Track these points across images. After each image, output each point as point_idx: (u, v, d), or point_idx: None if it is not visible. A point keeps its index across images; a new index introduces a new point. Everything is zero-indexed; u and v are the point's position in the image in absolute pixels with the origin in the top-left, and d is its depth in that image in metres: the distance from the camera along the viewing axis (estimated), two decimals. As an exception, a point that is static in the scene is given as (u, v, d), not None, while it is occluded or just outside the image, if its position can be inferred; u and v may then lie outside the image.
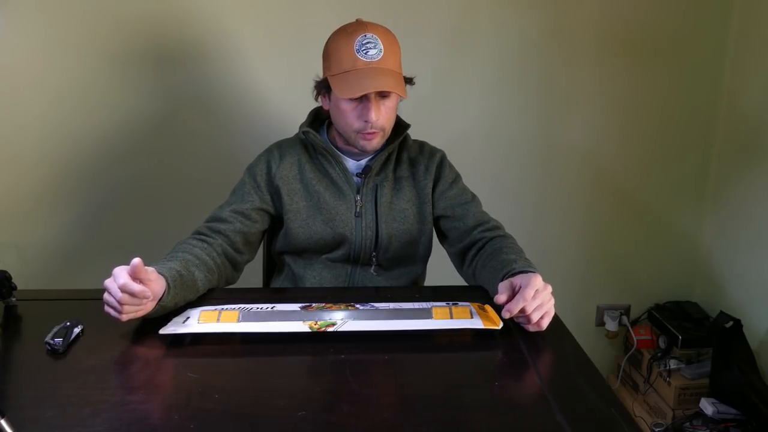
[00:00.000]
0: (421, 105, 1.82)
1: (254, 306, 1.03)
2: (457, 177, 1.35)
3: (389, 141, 1.30)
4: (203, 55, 1.76)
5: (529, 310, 0.95)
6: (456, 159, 1.39)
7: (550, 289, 0.99)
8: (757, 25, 1.84)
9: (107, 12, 1.69)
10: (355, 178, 1.28)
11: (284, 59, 1.78)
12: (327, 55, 1.22)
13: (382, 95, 1.18)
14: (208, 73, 1.78)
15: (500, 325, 0.97)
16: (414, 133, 1.37)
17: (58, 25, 1.69)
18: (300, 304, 1.04)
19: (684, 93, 1.96)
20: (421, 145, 1.36)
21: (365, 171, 1.27)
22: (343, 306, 1.03)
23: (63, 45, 1.70)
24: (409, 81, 1.26)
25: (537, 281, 0.97)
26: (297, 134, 1.33)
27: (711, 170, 2.04)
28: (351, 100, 1.18)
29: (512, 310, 0.95)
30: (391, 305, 1.04)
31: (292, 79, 1.74)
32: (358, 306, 1.04)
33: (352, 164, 1.29)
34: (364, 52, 1.16)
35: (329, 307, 1.03)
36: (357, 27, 1.19)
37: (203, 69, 1.77)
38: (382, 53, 1.16)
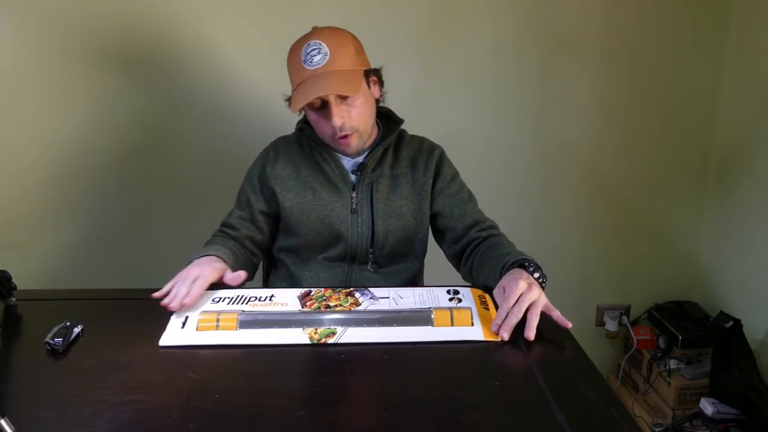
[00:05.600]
0: (417, 102, 1.82)
1: (252, 294, 1.06)
2: (455, 173, 1.35)
3: (383, 137, 1.31)
4: (200, 56, 1.76)
5: (515, 320, 0.97)
6: (455, 159, 1.38)
7: (523, 288, 0.98)
8: (756, 26, 1.84)
9: (103, 16, 1.69)
10: (351, 175, 1.29)
11: (281, 60, 1.77)
12: (288, 72, 1.22)
13: (342, 97, 1.17)
14: (205, 75, 1.77)
15: (500, 338, 0.97)
16: (410, 130, 1.37)
17: (57, 29, 1.68)
18: (299, 290, 1.09)
19: (684, 94, 1.96)
20: (420, 142, 1.36)
21: (361, 168, 1.28)
22: (342, 296, 1.06)
23: (62, 48, 1.70)
24: (375, 72, 1.25)
25: (517, 289, 0.98)
26: (295, 132, 1.35)
27: (711, 170, 2.04)
28: (315, 110, 1.19)
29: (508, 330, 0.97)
30: (391, 292, 1.07)
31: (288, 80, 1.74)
32: (357, 295, 1.06)
33: (347, 161, 1.29)
34: (309, 60, 1.16)
35: (328, 298, 1.05)
36: (304, 37, 1.20)
37: (201, 70, 1.77)
38: (327, 57, 1.15)
